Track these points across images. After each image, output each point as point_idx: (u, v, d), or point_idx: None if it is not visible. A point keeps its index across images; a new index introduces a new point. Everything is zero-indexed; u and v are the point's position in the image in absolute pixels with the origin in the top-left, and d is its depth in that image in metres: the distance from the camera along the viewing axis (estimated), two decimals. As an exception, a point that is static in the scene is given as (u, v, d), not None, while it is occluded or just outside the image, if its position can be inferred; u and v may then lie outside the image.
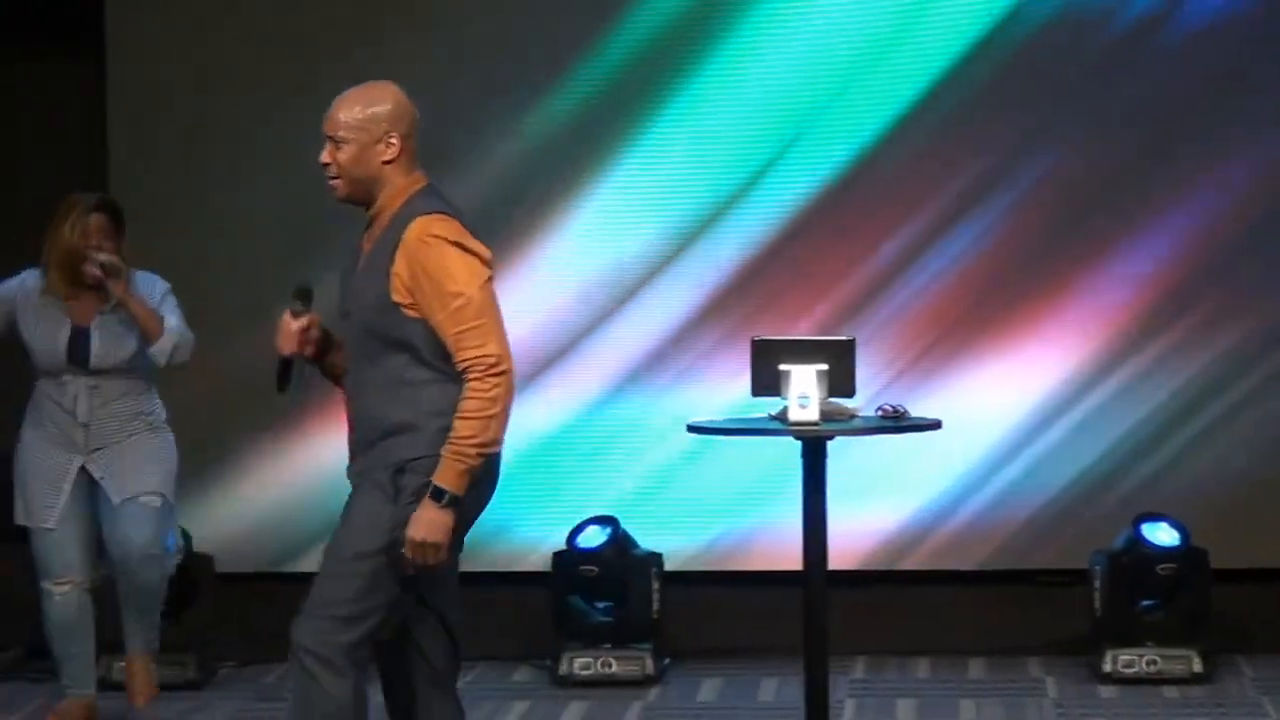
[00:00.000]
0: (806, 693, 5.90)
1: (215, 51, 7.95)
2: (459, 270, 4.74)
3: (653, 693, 7.41)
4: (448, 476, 4.73)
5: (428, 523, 4.74)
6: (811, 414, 5.77)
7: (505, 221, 7.89)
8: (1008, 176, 7.81)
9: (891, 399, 6.21)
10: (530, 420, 7.91)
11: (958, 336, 7.83)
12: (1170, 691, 7.27)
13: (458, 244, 4.77)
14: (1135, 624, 7.43)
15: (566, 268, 7.91)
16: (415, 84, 8.10)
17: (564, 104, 7.90)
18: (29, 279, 6.56)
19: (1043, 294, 7.80)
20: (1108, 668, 7.37)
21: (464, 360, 4.73)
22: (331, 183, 4.89)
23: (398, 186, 4.86)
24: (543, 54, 7.89)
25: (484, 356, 4.72)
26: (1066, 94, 7.77)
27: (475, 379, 4.72)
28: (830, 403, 5.85)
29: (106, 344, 6.50)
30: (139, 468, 6.57)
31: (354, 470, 4.88)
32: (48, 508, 6.53)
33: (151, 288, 6.55)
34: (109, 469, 6.55)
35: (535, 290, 7.89)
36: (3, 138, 8.02)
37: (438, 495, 4.73)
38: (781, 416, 5.83)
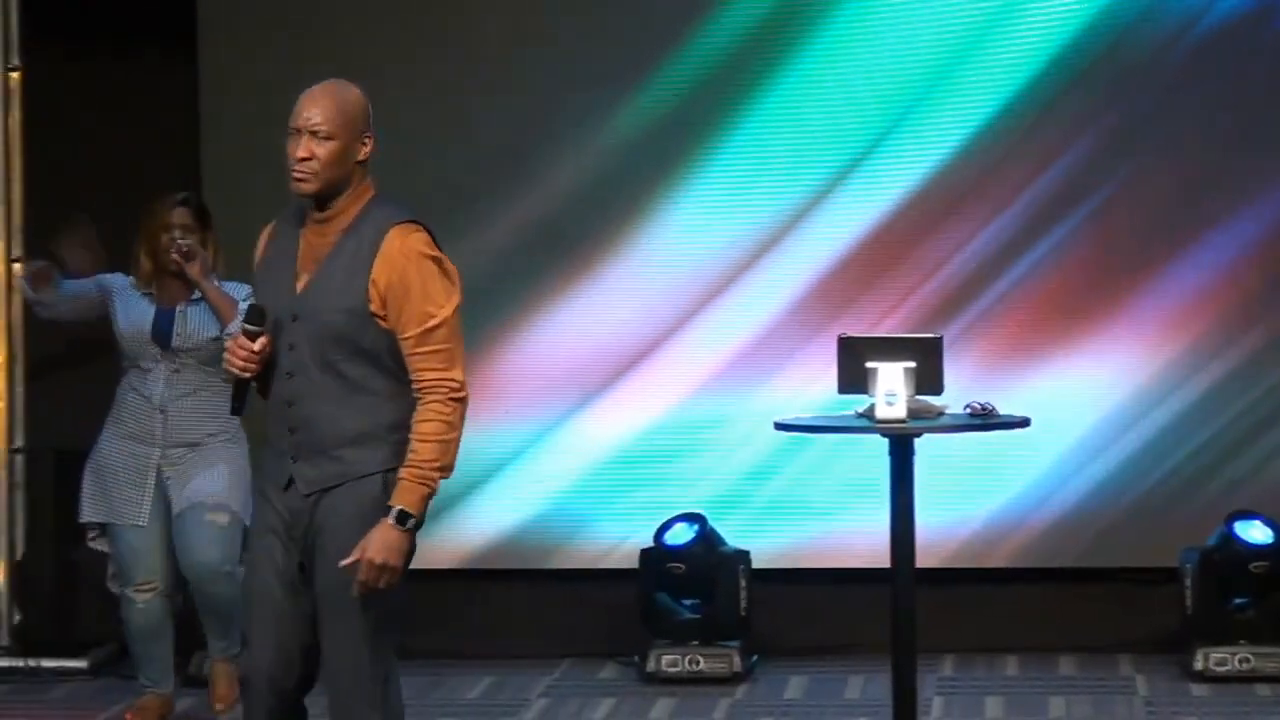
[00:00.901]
0: (894, 690, 5.88)
1: (308, 46, 7.98)
2: (438, 291, 4.66)
3: (740, 690, 7.40)
4: (411, 500, 4.63)
5: (389, 546, 4.62)
6: (899, 411, 5.75)
7: (592, 221, 7.91)
8: (1097, 175, 7.75)
9: (979, 397, 6.18)
10: (618, 418, 7.92)
11: (1046, 334, 7.78)
12: (1263, 690, 7.22)
13: (438, 261, 4.71)
14: (1227, 622, 7.37)
15: (653, 266, 7.90)
16: (504, 80, 8.19)
17: (651, 103, 7.89)
18: (123, 276, 6.82)
19: (1133, 291, 7.75)
20: (1199, 666, 7.32)
21: (426, 381, 4.64)
22: (304, 177, 4.72)
23: (360, 189, 4.79)
24: (630, 52, 7.89)
25: (449, 380, 4.64)
26: (1156, 93, 7.71)
27: (437, 401, 4.64)
28: (918, 400, 5.83)
29: (189, 324, 6.64)
30: (209, 474, 6.63)
31: (303, 476, 4.69)
32: (134, 503, 6.60)
33: (236, 291, 6.65)
34: (178, 469, 6.64)
35: (621, 288, 7.89)
36: (97, 136, 8.08)
37: (403, 519, 4.63)
38: (868, 414, 5.82)
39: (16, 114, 7.89)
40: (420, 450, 4.63)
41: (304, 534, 4.70)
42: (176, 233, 6.63)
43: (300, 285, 4.72)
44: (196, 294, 6.67)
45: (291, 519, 4.71)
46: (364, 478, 4.67)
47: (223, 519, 6.63)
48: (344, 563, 4.60)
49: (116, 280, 6.79)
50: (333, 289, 4.68)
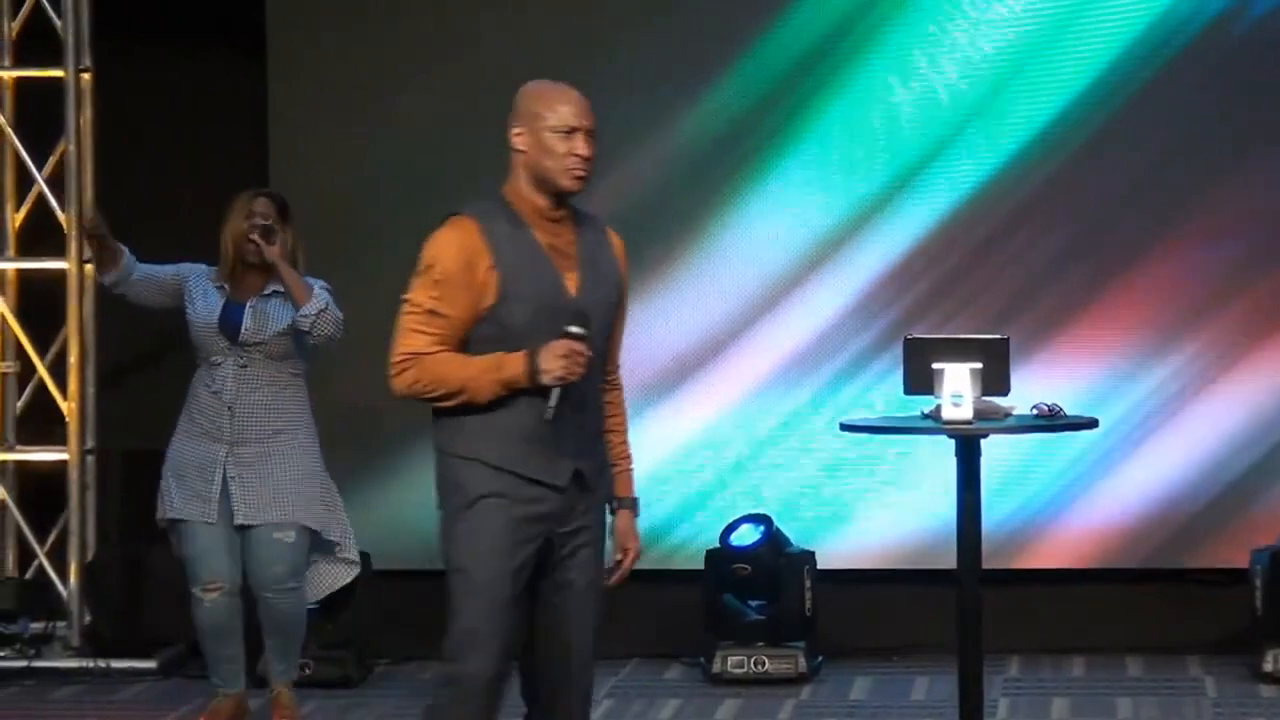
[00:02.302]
0: (960, 690, 5.87)
1: (375, 45, 8.02)
2: None
3: (805, 690, 7.40)
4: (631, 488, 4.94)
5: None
6: (965, 412, 5.74)
7: (660, 224, 7.92)
8: (1166, 177, 7.73)
9: (1047, 398, 6.17)
10: (684, 420, 7.93)
11: (1114, 335, 7.76)
12: (1332, 692, 7.19)
13: None
14: (1297, 623, 7.34)
15: (720, 268, 7.91)
16: (572, 79, 8.18)
17: (716, 107, 7.91)
18: (204, 267, 6.81)
19: (1200, 295, 7.72)
20: (1268, 667, 7.28)
21: (617, 371, 4.91)
22: (584, 175, 4.75)
23: None
24: (697, 57, 7.90)
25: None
26: (1214, 105, 7.69)
27: (620, 390, 4.94)
28: (984, 401, 5.82)
29: (258, 319, 6.64)
30: (275, 487, 6.63)
31: (587, 472, 4.77)
32: (203, 501, 6.62)
33: (311, 283, 6.68)
34: (242, 474, 6.62)
35: (687, 290, 7.91)
36: (166, 136, 8.14)
37: (637, 508, 4.93)
38: (935, 415, 5.81)
39: (88, 114, 7.96)
40: (627, 439, 4.91)
41: (568, 530, 4.76)
42: (256, 218, 6.65)
43: (573, 284, 4.74)
44: (269, 289, 6.66)
45: (560, 515, 4.75)
46: (606, 470, 4.86)
47: (290, 536, 6.65)
48: (621, 559, 4.87)
49: (196, 269, 6.79)
50: (603, 285, 4.78)
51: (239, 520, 6.61)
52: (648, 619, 7.93)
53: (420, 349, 4.71)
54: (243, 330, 6.64)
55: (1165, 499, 7.76)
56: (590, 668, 4.87)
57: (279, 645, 6.72)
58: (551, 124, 4.73)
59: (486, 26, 7.98)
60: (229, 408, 6.63)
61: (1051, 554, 7.82)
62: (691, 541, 7.86)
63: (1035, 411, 6.05)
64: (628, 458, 4.92)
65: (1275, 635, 7.32)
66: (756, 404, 7.93)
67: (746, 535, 7.64)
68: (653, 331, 7.95)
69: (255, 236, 6.63)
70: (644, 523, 7.98)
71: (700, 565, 7.67)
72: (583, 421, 4.76)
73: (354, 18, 8.05)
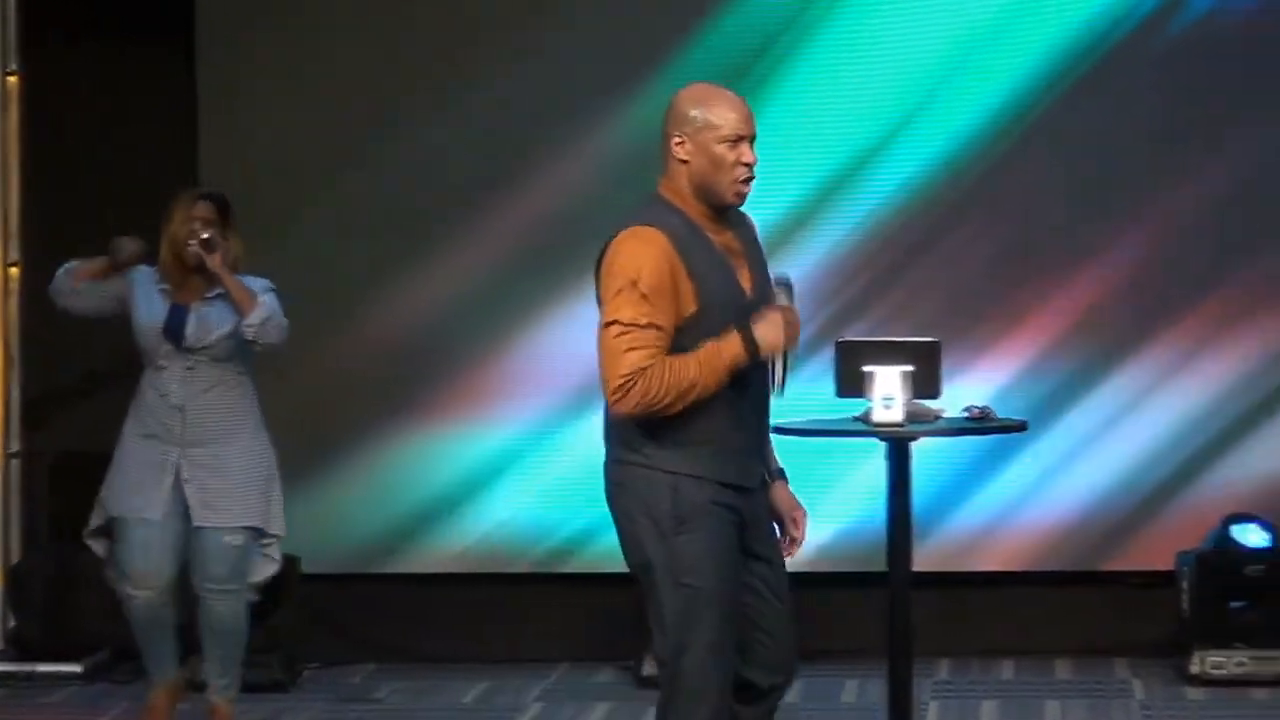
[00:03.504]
0: (890, 694, 5.87)
1: (306, 43, 7.99)
2: None
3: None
4: None
5: None
6: (896, 415, 5.75)
7: (594, 224, 7.88)
8: (1096, 181, 7.76)
9: (978, 400, 6.18)
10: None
11: (1045, 338, 7.79)
12: (1259, 693, 7.22)
13: None
14: (1224, 625, 7.37)
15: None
16: (503, 80, 8.19)
17: (651, 111, 7.87)
18: (147, 269, 6.71)
19: (1127, 296, 7.76)
20: (1195, 669, 7.32)
21: None
22: (749, 185, 4.71)
23: None
24: (630, 58, 7.89)
25: None
26: (1149, 104, 7.73)
27: None
28: (915, 404, 5.83)
29: (202, 324, 6.59)
30: (228, 490, 6.59)
31: (765, 468, 4.80)
32: (147, 498, 6.57)
33: (253, 285, 6.64)
34: (197, 476, 6.57)
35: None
36: (95, 137, 8.08)
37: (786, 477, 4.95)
38: (866, 418, 5.81)
39: (14, 117, 7.89)
40: None
41: (756, 525, 4.77)
42: (197, 224, 6.58)
43: (746, 282, 4.72)
44: (213, 292, 6.60)
45: (751, 520, 4.75)
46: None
47: (238, 539, 6.60)
48: (794, 530, 4.84)
49: (140, 273, 6.70)
50: (767, 278, 4.77)
51: (195, 523, 6.56)
52: (578, 622, 7.93)
53: (641, 364, 4.56)
54: (187, 336, 6.59)
55: (1094, 502, 7.79)
56: (793, 665, 4.86)
57: (218, 655, 6.64)
58: (719, 133, 4.64)
59: (419, 11, 7.95)
60: (179, 410, 6.57)
61: (982, 557, 7.84)
62: (622, 545, 7.83)
63: (966, 414, 6.06)
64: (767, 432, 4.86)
65: (1202, 637, 7.36)
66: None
67: (677, 538, 7.62)
68: (586, 333, 7.90)
69: (196, 245, 6.55)
70: (574, 528, 8.10)
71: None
72: (762, 418, 4.78)
73: (282, 11, 8.00)
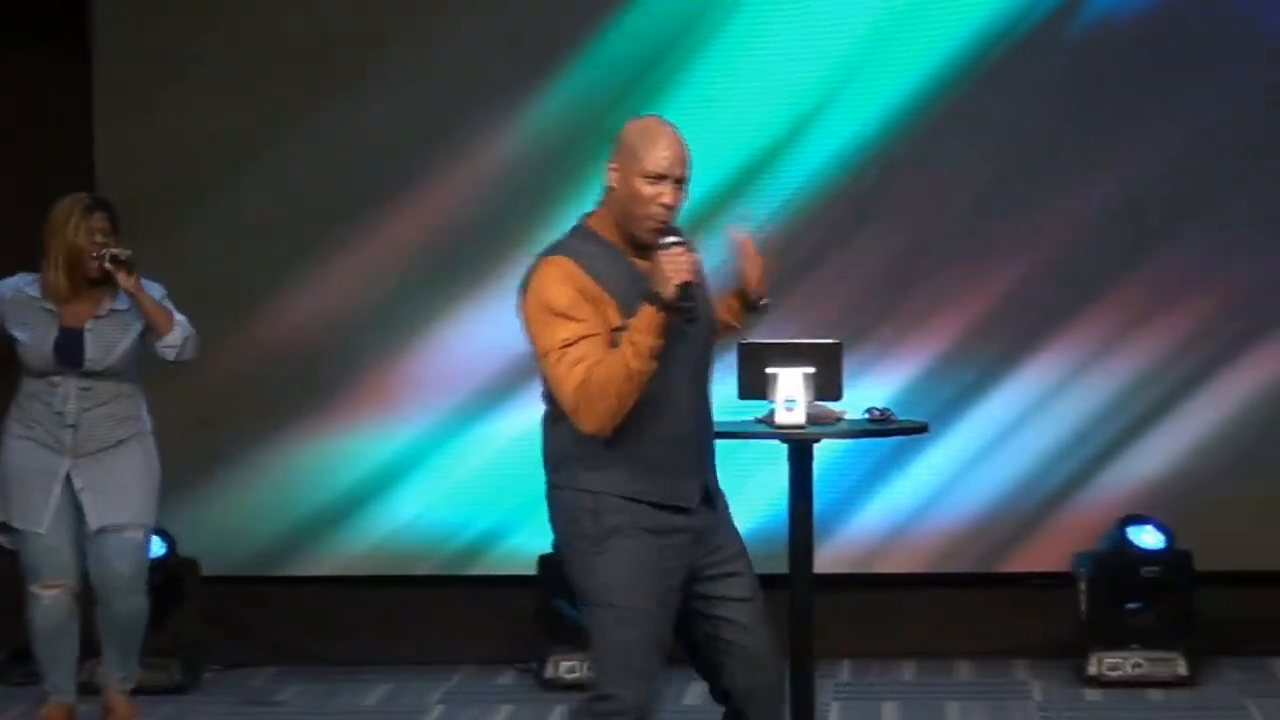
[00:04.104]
0: (792, 695, 5.89)
1: (202, 45, 7.95)
2: None
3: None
4: None
5: None
6: (798, 417, 5.78)
7: (500, 223, 7.91)
8: (1000, 182, 7.81)
9: (879, 403, 6.22)
10: (518, 423, 7.91)
11: (946, 341, 7.84)
12: (1155, 694, 7.28)
13: None
14: (1120, 627, 7.44)
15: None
16: (409, 82, 8.18)
17: (557, 106, 7.91)
18: (22, 282, 6.55)
19: (1026, 299, 7.81)
20: (1093, 670, 7.38)
21: None
22: (666, 222, 4.64)
23: None
24: (535, 55, 7.90)
25: None
26: (1051, 103, 7.78)
27: None
28: (817, 406, 5.86)
29: (100, 346, 6.48)
30: (124, 491, 6.54)
31: (713, 489, 4.78)
32: (38, 510, 6.50)
33: (151, 290, 6.55)
34: (92, 483, 6.52)
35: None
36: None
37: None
38: (768, 420, 5.84)
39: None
40: None
41: (708, 550, 4.74)
42: (99, 237, 6.43)
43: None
44: (105, 309, 6.47)
45: (697, 538, 4.72)
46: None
47: (138, 536, 6.57)
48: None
49: (15, 290, 6.49)
50: (702, 296, 4.73)
51: (93, 526, 6.50)
52: (480, 625, 7.92)
53: (582, 378, 4.56)
54: (87, 361, 6.46)
55: (993, 504, 7.85)
56: (780, 670, 4.86)
57: (119, 648, 6.61)
58: (643, 167, 4.63)
59: (316, 14, 7.93)
60: (71, 425, 6.49)
61: (883, 559, 7.88)
62: (524, 547, 7.84)
63: (867, 416, 6.10)
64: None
65: (1099, 639, 7.43)
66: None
67: (580, 540, 7.63)
68: (488, 334, 7.93)
69: (109, 266, 6.38)
70: (478, 529, 8.08)
71: (533, 570, 7.65)
72: (701, 437, 4.74)
73: (180, 18, 7.96)
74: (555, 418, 4.71)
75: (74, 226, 6.43)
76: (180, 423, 7.74)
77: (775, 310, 7.84)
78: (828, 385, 5.87)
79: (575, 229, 4.75)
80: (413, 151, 7.93)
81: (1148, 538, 7.49)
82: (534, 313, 4.63)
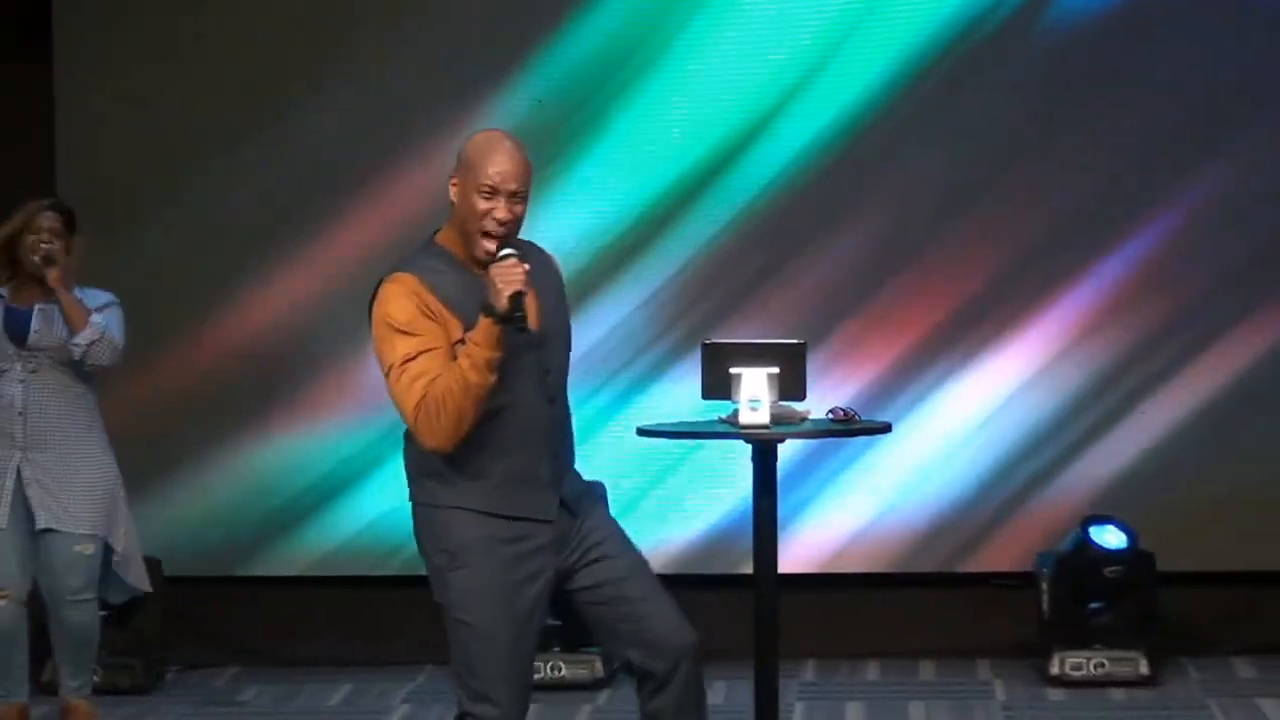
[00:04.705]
0: (756, 695, 5.89)
1: (165, 57, 7.94)
2: None
3: (603, 695, 7.41)
4: None
5: None
6: (762, 417, 5.76)
7: (443, 222, 7.89)
8: (961, 184, 7.82)
9: (843, 403, 6.22)
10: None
11: (909, 341, 7.85)
12: (1117, 694, 7.31)
13: None
14: (1082, 626, 7.45)
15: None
16: (361, 87, 8.16)
17: (513, 105, 7.90)
18: None
19: (993, 301, 7.83)
20: (1055, 670, 7.40)
21: None
22: (497, 240, 4.62)
23: None
24: (488, 58, 7.89)
25: None
26: (1015, 100, 7.80)
27: None
28: (781, 406, 5.85)
29: (46, 323, 6.51)
30: (75, 496, 6.51)
31: (569, 497, 4.76)
32: None
33: (95, 299, 6.57)
34: (41, 479, 6.49)
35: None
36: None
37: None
38: (732, 420, 5.83)
39: None
40: None
41: (570, 554, 4.74)
42: (44, 235, 6.50)
43: (530, 314, 4.61)
44: (51, 297, 6.52)
45: (556, 545, 4.71)
46: (586, 489, 4.86)
47: (89, 549, 6.54)
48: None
49: None
50: (557, 312, 4.76)
51: (41, 525, 6.47)
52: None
53: (421, 394, 4.55)
54: (31, 334, 6.50)
55: (957, 504, 7.86)
56: (695, 646, 4.83)
57: (73, 658, 6.59)
58: (480, 182, 4.62)
59: (269, 20, 7.91)
60: (20, 414, 6.48)
61: (846, 559, 7.89)
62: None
63: (831, 416, 6.09)
64: None
65: (1062, 638, 7.44)
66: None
67: (543, 540, 7.62)
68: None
69: (37, 258, 6.48)
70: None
71: (497, 571, 7.63)
72: (557, 447, 4.73)
73: (143, 27, 7.94)
74: (410, 434, 4.70)
75: (20, 221, 6.53)
76: (142, 423, 7.73)
77: (739, 310, 7.94)
78: (791, 385, 5.86)
79: (423, 244, 4.76)
80: (372, 152, 7.91)
81: (1110, 538, 7.51)
82: (377, 329, 4.64)
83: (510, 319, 4.52)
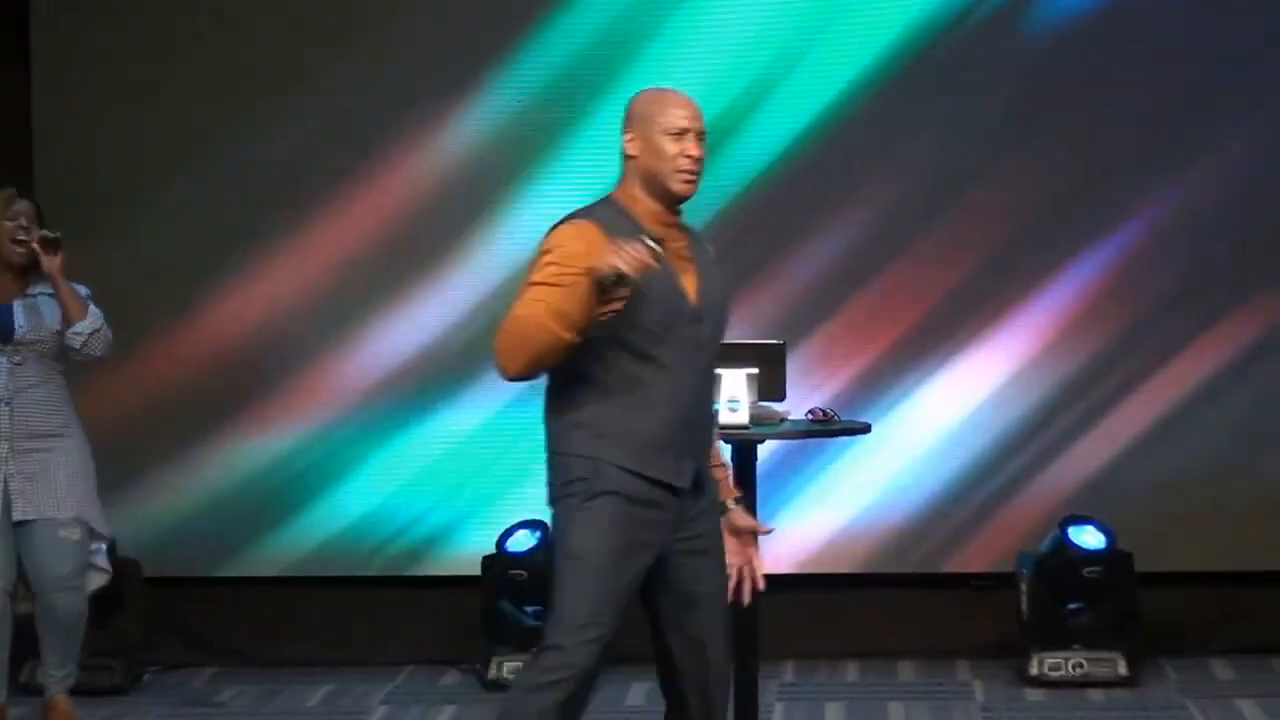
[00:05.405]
0: (736, 696, 5.90)
1: (142, 57, 7.93)
2: None
3: (582, 696, 7.39)
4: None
5: None
6: (741, 417, 5.78)
7: (431, 224, 7.90)
8: (940, 183, 7.83)
9: (823, 404, 6.23)
10: (460, 423, 7.91)
11: (888, 341, 7.86)
12: (1095, 694, 7.32)
13: None
14: (1061, 627, 7.47)
15: (493, 270, 7.89)
16: (344, 86, 8.14)
17: (491, 111, 7.90)
18: None
19: (972, 301, 7.84)
20: (1034, 671, 7.41)
21: None
22: (694, 178, 4.76)
23: None
24: (473, 58, 7.89)
25: None
26: (992, 98, 7.80)
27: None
28: (760, 406, 5.87)
29: (32, 318, 6.49)
30: (60, 485, 6.51)
31: (701, 474, 4.79)
32: None
33: (76, 290, 6.54)
34: (25, 470, 6.48)
35: (460, 292, 7.89)
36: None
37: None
38: (712, 420, 5.83)
39: None
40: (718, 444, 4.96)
41: (685, 537, 4.76)
42: (23, 220, 6.47)
43: (691, 289, 4.74)
44: (35, 290, 6.50)
45: (676, 522, 4.75)
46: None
47: (75, 534, 6.54)
48: (740, 567, 4.87)
49: None
50: (717, 293, 4.81)
51: (19, 516, 6.47)
52: (424, 626, 7.90)
53: (518, 313, 4.62)
54: (18, 330, 6.48)
55: (937, 505, 7.86)
56: (728, 675, 4.93)
57: (59, 647, 6.57)
58: (663, 126, 4.75)
59: (252, 16, 7.90)
60: (6, 404, 6.47)
61: (826, 559, 7.89)
62: (468, 548, 7.83)
63: (810, 417, 6.11)
64: (723, 462, 4.93)
65: (1041, 639, 7.45)
66: (534, 407, 7.89)
67: (523, 541, 7.64)
68: (427, 335, 7.92)
69: (35, 244, 6.42)
70: (421, 529, 8.07)
71: (477, 571, 7.64)
72: (701, 424, 4.79)
73: (117, 14, 7.92)
74: (559, 387, 4.77)
75: None
76: (120, 422, 7.72)
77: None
78: (771, 386, 5.89)
79: (602, 200, 4.84)
80: (350, 150, 7.90)
81: (1089, 538, 7.52)
82: (538, 254, 4.73)
83: (602, 286, 4.54)
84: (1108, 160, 7.78)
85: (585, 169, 7.86)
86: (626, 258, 4.54)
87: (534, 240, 8.03)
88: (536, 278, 4.66)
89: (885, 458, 7.81)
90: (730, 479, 4.96)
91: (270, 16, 7.91)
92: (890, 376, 7.84)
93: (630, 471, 4.69)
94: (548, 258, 4.67)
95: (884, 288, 7.85)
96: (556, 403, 4.79)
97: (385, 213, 7.92)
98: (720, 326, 4.87)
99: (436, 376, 7.92)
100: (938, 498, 7.86)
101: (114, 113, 7.94)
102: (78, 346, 6.48)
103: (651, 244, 4.59)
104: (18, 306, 6.50)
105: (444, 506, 7.95)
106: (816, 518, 7.88)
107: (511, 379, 4.70)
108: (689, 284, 4.76)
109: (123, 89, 7.94)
